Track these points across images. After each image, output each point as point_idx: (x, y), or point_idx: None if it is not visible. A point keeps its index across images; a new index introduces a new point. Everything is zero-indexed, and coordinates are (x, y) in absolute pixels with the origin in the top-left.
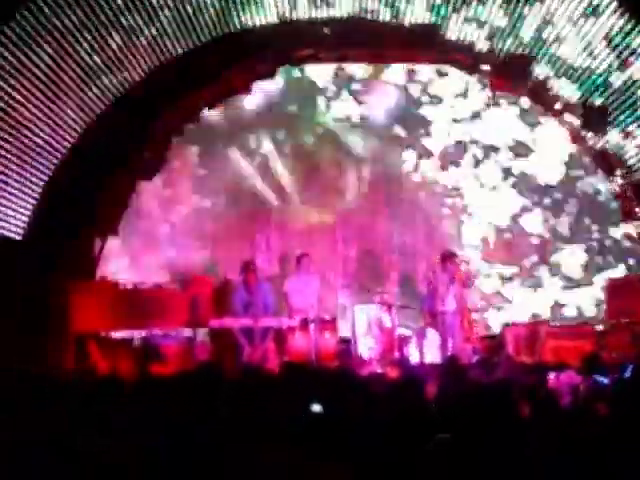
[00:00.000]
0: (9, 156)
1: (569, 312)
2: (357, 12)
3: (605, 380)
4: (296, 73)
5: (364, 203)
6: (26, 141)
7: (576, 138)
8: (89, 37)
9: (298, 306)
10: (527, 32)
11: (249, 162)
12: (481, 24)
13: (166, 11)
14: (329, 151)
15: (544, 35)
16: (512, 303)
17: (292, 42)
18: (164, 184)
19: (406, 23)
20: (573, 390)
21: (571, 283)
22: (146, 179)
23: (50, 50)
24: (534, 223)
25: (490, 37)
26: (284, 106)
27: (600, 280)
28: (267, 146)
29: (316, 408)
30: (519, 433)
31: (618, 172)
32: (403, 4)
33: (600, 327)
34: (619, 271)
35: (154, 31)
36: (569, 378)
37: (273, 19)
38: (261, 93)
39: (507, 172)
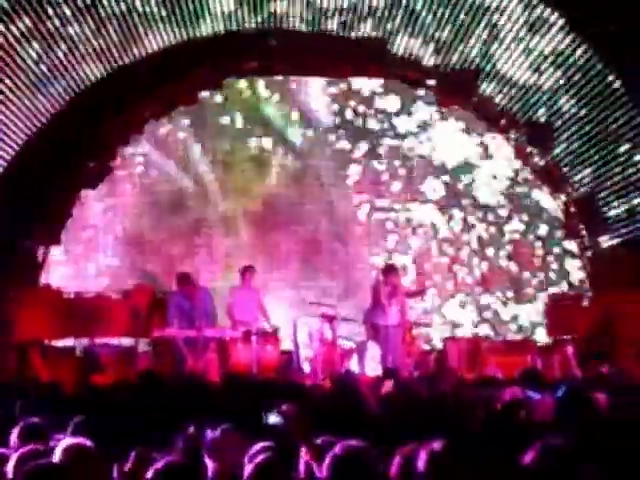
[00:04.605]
0: None
1: (511, 328)
2: (305, 25)
3: (536, 396)
4: None
5: (309, 215)
6: None
7: (521, 154)
8: (36, 46)
9: (241, 318)
10: (473, 48)
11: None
12: (428, 39)
13: (113, 21)
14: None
15: (490, 51)
16: (454, 318)
17: (239, 53)
18: (107, 193)
19: (353, 37)
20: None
21: (513, 299)
22: (90, 188)
23: None
24: (477, 238)
25: (437, 52)
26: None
27: (542, 296)
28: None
29: (272, 419)
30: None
31: (562, 188)
32: (350, 18)
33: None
34: (561, 288)
35: (101, 41)
36: (513, 394)
37: (220, 30)
38: None
39: (449, 187)
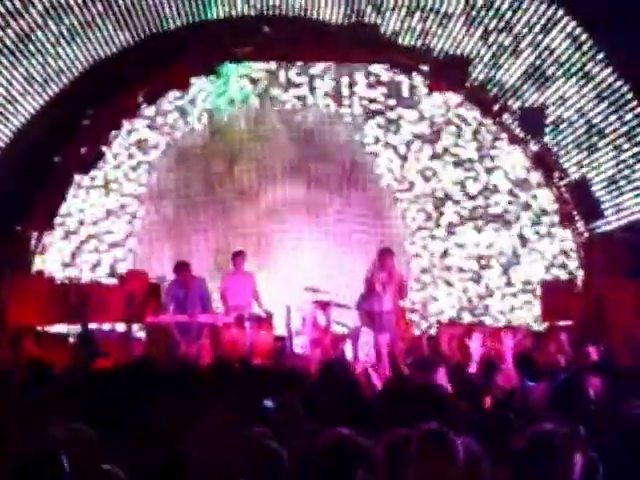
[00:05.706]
0: None
1: (503, 314)
2: (299, 11)
3: (533, 384)
4: None
5: (306, 200)
6: None
7: (514, 140)
8: (28, 33)
9: (234, 304)
10: (467, 33)
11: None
12: (420, 24)
13: (105, 5)
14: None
15: (482, 37)
16: (447, 304)
17: (233, 39)
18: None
19: (346, 23)
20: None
21: (509, 287)
22: (83, 173)
23: None
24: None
25: (430, 38)
26: None
27: (535, 282)
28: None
29: (268, 404)
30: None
31: (556, 174)
32: (344, 3)
33: (536, 328)
34: (554, 274)
35: (93, 25)
36: (508, 378)
37: (214, 16)
38: None
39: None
